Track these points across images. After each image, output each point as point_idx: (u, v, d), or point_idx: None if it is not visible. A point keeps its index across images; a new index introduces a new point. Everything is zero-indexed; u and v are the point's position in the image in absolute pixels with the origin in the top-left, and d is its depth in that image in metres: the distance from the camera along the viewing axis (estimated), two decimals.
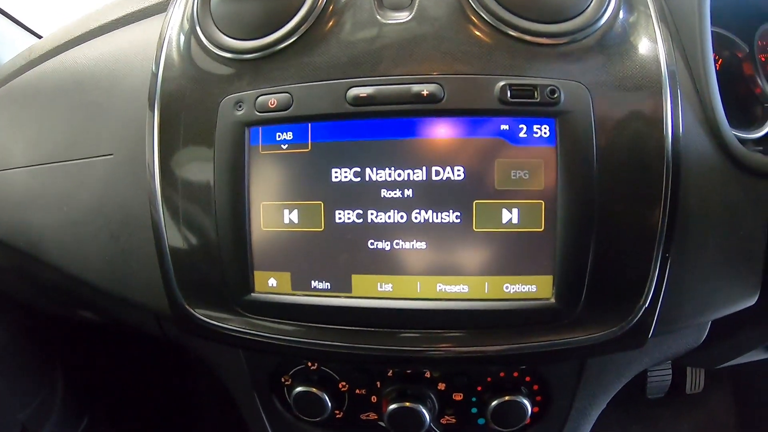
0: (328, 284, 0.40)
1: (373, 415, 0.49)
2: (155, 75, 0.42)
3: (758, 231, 0.41)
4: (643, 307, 0.38)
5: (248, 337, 0.42)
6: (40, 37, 0.78)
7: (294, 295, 0.40)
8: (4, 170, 0.52)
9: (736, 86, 0.49)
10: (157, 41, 0.44)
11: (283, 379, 0.49)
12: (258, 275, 0.40)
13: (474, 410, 0.47)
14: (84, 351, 0.86)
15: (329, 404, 0.46)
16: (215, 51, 0.41)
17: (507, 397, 0.45)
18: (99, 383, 0.88)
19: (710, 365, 0.67)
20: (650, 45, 0.38)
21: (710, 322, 0.47)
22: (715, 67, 0.48)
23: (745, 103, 0.49)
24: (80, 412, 0.85)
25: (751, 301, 0.43)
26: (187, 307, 0.43)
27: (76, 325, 0.80)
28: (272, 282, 0.40)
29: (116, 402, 0.92)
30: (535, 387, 0.47)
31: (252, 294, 0.41)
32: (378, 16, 0.39)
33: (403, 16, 0.39)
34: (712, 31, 0.40)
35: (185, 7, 0.44)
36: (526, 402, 0.45)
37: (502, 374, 0.46)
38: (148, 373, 0.96)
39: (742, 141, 0.45)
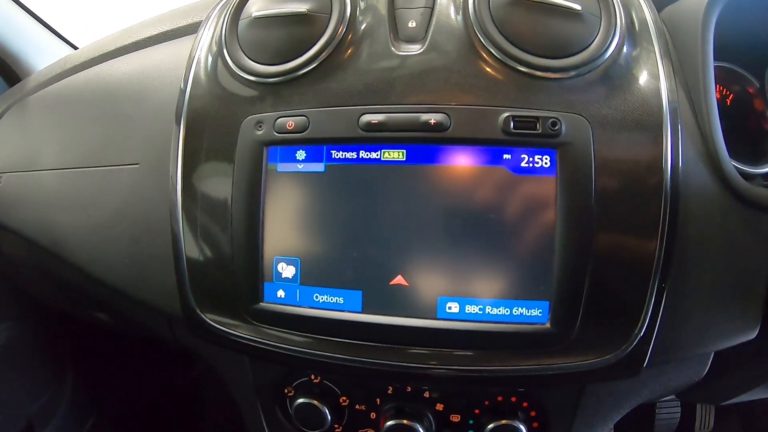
0: (334, 300, 0.41)
1: (370, 431, 0.49)
2: (183, 92, 0.45)
3: (759, 265, 0.41)
4: (639, 336, 0.39)
5: (255, 344, 0.43)
6: (75, 48, 0.82)
7: (301, 307, 0.41)
8: (33, 171, 0.55)
9: (747, 121, 0.50)
10: (187, 61, 0.46)
11: (286, 390, 0.50)
12: (268, 287, 0.42)
13: None
14: (95, 352, 0.88)
15: (329, 417, 0.47)
16: (240, 73, 0.43)
17: (504, 421, 0.45)
18: (107, 385, 0.90)
19: (715, 401, 0.66)
20: (652, 80, 0.39)
21: (712, 357, 0.47)
22: (726, 102, 0.48)
23: (755, 138, 0.49)
24: (87, 411, 0.87)
25: (751, 335, 0.43)
26: (199, 312, 0.44)
27: (88, 326, 0.82)
28: (281, 293, 0.42)
29: (123, 404, 0.93)
30: (533, 413, 0.47)
31: (261, 303, 0.42)
32: (392, 48, 0.41)
33: (416, 49, 0.41)
34: (723, 67, 0.41)
35: (214, 31, 0.46)
36: (522, 427, 0.45)
37: (500, 398, 0.46)
38: (156, 377, 0.97)
39: (751, 176, 0.45)
